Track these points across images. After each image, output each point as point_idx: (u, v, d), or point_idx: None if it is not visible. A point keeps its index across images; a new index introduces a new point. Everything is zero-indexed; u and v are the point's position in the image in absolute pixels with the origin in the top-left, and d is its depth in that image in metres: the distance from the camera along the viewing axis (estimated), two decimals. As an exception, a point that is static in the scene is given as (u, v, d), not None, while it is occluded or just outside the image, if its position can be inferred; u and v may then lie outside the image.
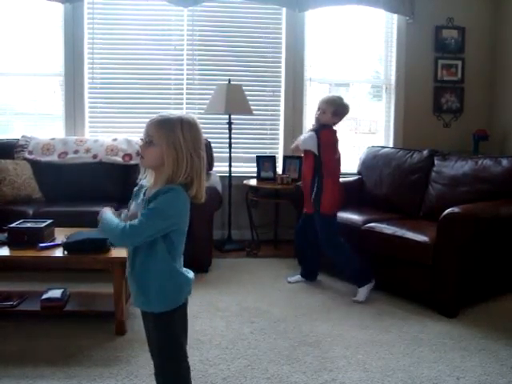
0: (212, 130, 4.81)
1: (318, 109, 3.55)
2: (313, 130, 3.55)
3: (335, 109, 3.48)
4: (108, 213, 1.73)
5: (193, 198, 1.70)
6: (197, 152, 1.68)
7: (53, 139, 4.45)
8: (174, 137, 1.64)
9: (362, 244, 3.59)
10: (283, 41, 4.95)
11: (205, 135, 1.75)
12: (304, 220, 3.69)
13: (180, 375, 1.81)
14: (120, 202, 3.55)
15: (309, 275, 3.78)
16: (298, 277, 3.78)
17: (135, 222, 1.64)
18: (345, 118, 3.64)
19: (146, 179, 1.77)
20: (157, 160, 1.66)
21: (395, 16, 5.02)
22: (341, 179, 3.66)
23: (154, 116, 1.71)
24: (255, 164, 4.79)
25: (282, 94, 4.99)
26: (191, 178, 1.67)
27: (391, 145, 5.07)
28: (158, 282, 1.70)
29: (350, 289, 3.55)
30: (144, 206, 1.67)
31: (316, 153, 3.48)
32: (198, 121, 1.73)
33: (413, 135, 5.02)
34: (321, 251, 3.65)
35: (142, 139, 1.71)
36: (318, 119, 3.54)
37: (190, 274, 1.80)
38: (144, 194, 1.74)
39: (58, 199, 4.08)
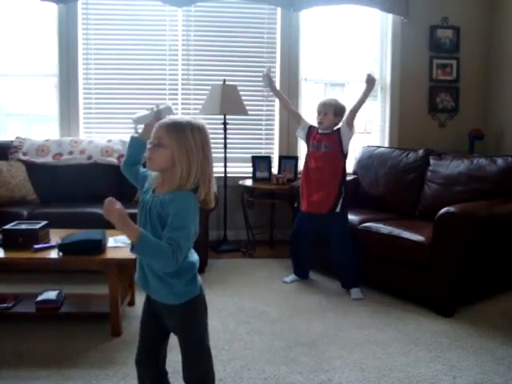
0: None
1: (319, 113, 3.54)
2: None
3: (335, 108, 3.50)
4: (144, 231, 1.60)
5: (202, 203, 1.70)
6: (206, 156, 1.68)
7: (47, 140, 4.43)
8: (186, 140, 1.64)
9: (358, 244, 3.58)
10: (278, 41, 4.95)
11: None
12: (307, 220, 3.62)
13: (211, 362, 1.83)
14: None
15: (303, 273, 3.78)
16: (292, 276, 3.77)
17: (167, 238, 1.59)
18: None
19: (152, 178, 1.79)
20: (166, 162, 1.66)
21: (390, 16, 5.03)
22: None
23: (163, 120, 1.72)
24: (251, 164, 4.78)
25: (278, 94, 4.99)
26: (200, 182, 1.67)
27: (387, 144, 5.08)
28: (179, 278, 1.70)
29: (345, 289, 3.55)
30: (157, 210, 1.65)
31: (345, 150, 3.51)
32: (207, 126, 1.74)
33: (408, 135, 5.03)
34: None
35: (149, 142, 1.71)
36: (321, 123, 3.54)
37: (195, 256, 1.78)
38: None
39: (52, 200, 4.07)
